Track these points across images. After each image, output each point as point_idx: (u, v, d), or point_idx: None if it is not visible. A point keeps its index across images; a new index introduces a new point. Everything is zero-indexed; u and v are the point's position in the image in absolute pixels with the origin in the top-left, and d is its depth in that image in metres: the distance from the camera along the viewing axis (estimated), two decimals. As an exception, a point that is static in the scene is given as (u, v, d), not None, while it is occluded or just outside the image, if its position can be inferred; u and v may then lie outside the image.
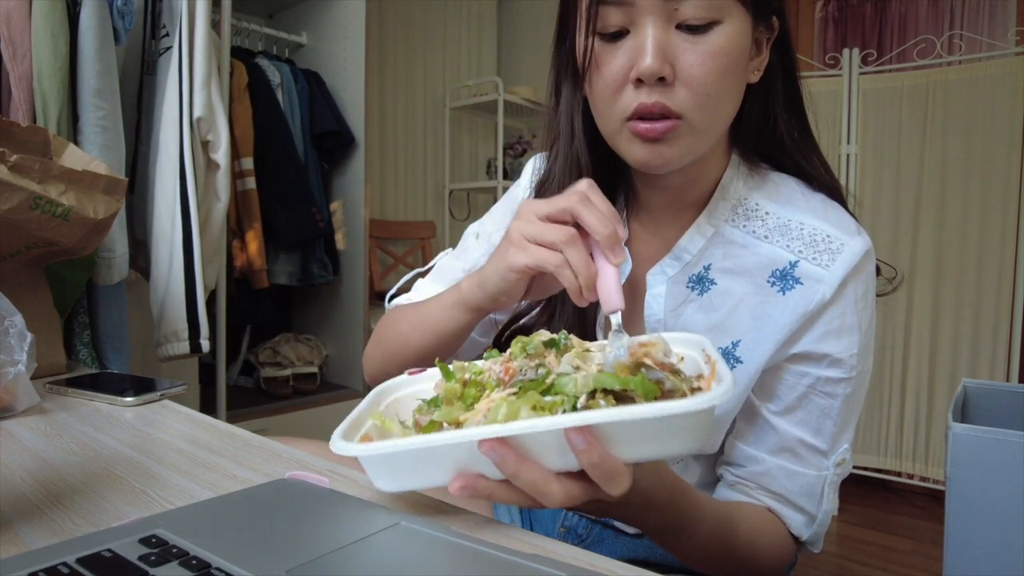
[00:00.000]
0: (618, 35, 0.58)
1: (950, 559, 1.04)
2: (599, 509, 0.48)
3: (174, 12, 1.45)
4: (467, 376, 0.48)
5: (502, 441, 0.39)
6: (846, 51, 2.46)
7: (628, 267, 0.69)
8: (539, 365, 0.45)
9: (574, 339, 0.49)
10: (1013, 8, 2.56)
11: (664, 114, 0.56)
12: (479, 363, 0.50)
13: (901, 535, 2.18)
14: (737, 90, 0.61)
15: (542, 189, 0.73)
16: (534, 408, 0.41)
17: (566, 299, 0.65)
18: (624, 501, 0.44)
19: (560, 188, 0.69)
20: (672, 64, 0.55)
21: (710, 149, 0.63)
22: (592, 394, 0.41)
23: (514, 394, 0.43)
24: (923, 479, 2.41)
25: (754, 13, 0.59)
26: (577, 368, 0.44)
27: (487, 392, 0.45)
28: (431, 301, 0.69)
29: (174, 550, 0.37)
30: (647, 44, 0.55)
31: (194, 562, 0.35)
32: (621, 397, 0.41)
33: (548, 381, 0.43)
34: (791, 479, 0.62)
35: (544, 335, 0.48)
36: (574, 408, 0.40)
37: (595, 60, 0.59)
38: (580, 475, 0.41)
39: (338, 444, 0.43)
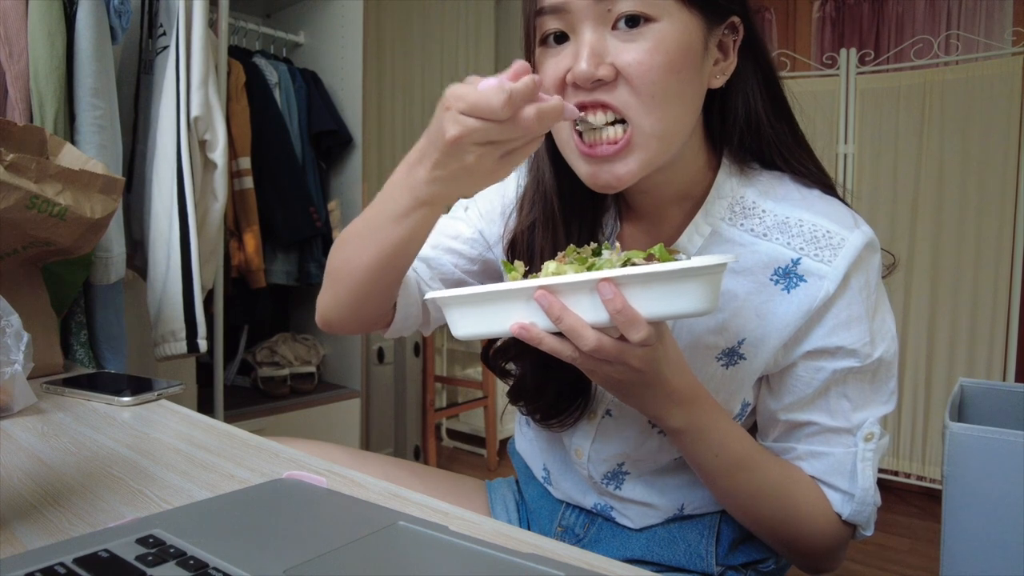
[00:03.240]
0: (559, 42, 0.58)
1: (947, 558, 1.04)
2: (630, 388, 0.56)
3: (171, 11, 1.45)
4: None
5: (550, 290, 0.50)
6: (843, 51, 2.46)
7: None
8: (587, 258, 0.55)
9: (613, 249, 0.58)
10: (1010, 8, 2.57)
11: (605, 106, 0.56)
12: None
13: (898, 534, 2.18)
14: (691, 93, 0.59)
15: (520, 209, 0.73)
16: (578, 272, 0.51)
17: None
18: (649, 378, 0.54)
19: (531, 207, 0.70)
20: (611, 64, 0.56)
21: (679, 150, 0.62)
22: (624, 265, 0.51)
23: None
24: (920, 478, 2.42)
25: (703, 13, 0.58)
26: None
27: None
28: (386, 218, 0.61)
29: (171, 550, 0.37)
30: (581, 48, 0.56)
31: (191, 562, 0.35)
32: None
33: (590, 260, 0.54)
34: (821, 460, 0.64)
35: (593, 245, 0.58)
36: None
37: (538, 69, 0.60)
38: (611, 335, 0.51)
39: (429, 293, 0.57)
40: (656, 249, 0.52)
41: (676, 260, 0.51)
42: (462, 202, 0.83)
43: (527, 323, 0.52)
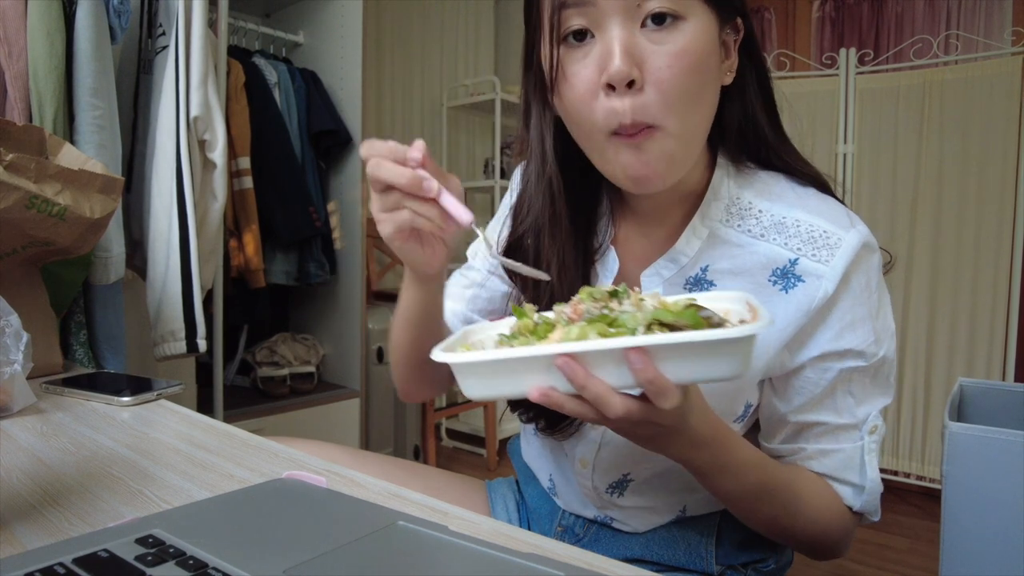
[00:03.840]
0: (582, 40, 0.57)
1: (946, 557, 1.04)
2: (653, 440, 0.53)
3: (170, 11, 1.45)
4: (537, 319, 0.55)
5: (573, 357, 0.46)
6: (843, 51, 2.46)
7: (615, 266, 0.70)
8: (604, 307, 0.51)
9: (631, 292, 0.55)
10: (1009, 8, 2.57)
11: (640, 127, 0.56)
12: (547, 314, 0.56)
13: (898, 534, 2.18)
14: (710, 92, 0.60)
15: (518, 212, 0.73)
16: (601, 334, 0.48)
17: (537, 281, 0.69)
18: (675, 430, 0.51)
19: (533, 210, 0.70)
20: (640, 67, 0.55)
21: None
22: (649, 326, 0.47)
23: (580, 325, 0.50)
24: (919, 478, 2.42)
25: (719, 12, 0.58)
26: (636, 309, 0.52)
27: (558, 328, 0.52)
28: (401, 295, 0.71)
29: (171, 550, 0.37)
30: (614, 46, 0.54)
31: (191, 562, 0.35)
32: (675, 330, 0.47)
33: (612, 316, 0.50)
34: (830, 457, 0.65)
35: (608, 287, 0.54)
36: (633, 336, 0.47)
37: (562, 70, 0.58)
38: (640, 395, 0.48)
39: (437, 354, 0.50)
40: (688, 314, 0.48)
41: (704, 318, 0.48)
42: (473, 248, 0.85)
43: (547, 388, 0.48)
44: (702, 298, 0.56)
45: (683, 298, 0.55)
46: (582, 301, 0.53)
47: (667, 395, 0.46)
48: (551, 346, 0.47)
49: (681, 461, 0.57)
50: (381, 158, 0.55)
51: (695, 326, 0.47)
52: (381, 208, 0.58)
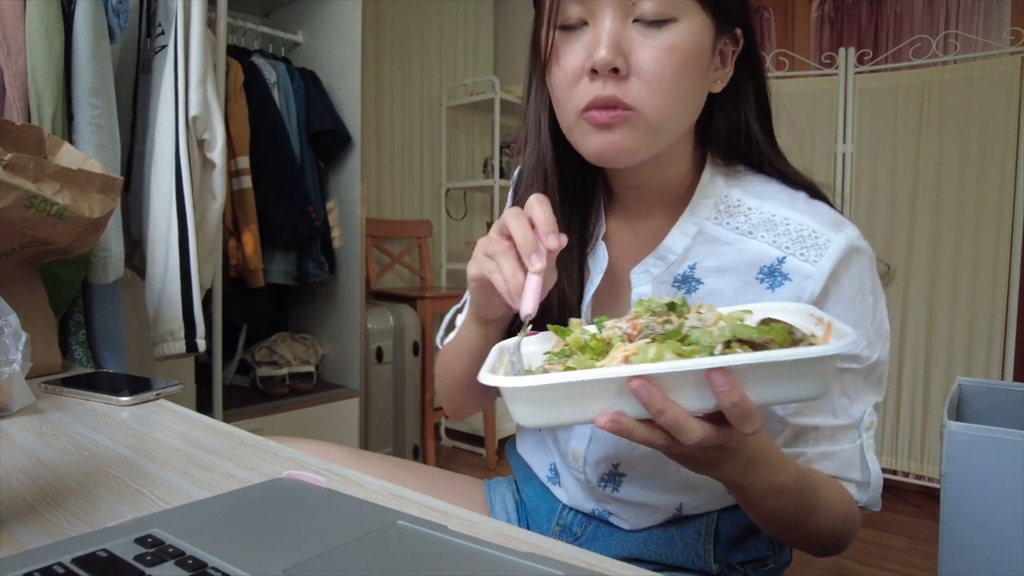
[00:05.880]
0: (577, 28, 0.59)
1: (946, 557, 1.05)
2: (711, 464, 0.50)
3: (169, 10, 1.44)
4: (586, 337, 0.51)
5: (648, 379, 0.42)
6: (842, 50, 2.46)
7: (604, 262, 0.70)
8: (666, 322, 0.48)
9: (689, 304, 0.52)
10: (1008, 8, 2.57)
11: (616, 105, 0.57)
12: (590, 328, 0.53)
13: (897, 533, 2.18)
14: (696, 92, 0.61)
15: (517, 189, 0.74)
16: (677, 353, 0.44)
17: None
18: (736, 452, 0.49)
19: (529, 188, 0.71)
20: (627, 57, 0.57)
21: (672, 149, 0.64)
22: (727, 344, 0.44)
23: (649, 343, 0.46)
24: (919, 477, 2.42)
25: (715, 18, 0.59)
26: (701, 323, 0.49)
27: (617, 345, 0.47)
28: (462, 326, 0.74)
29: (170, 550, 0.37)
30: (602, 35, 0.57)
31: (190, 562, 0.35)
32: (755, 348, 0.44)
33: (684, 332, 0.47)
34: (832, 460, 0.65)
35: (665, 298, 0.51)
36: (711, 355, 0.44)
37: (555, 53, 0.61)
38: (713, 419, 0.45)
39: (488, 378, 0.46)
40: (777, 330, 0.44)
41: (791, 336, 0.44)
42: None
43: (615, 414, 0.44)
44: (759, 309, 0.54)
45: (738, 309, 0.53)
46: (639, 316, 0.49)
47: (752, 419, 0.43)
48: (625, 367, 0.43)
49: (729, 481, 0.55)
50: (523, 215, 0.56)
51: (782, 343, 0.43)
52: (484, 249, 0.58)
